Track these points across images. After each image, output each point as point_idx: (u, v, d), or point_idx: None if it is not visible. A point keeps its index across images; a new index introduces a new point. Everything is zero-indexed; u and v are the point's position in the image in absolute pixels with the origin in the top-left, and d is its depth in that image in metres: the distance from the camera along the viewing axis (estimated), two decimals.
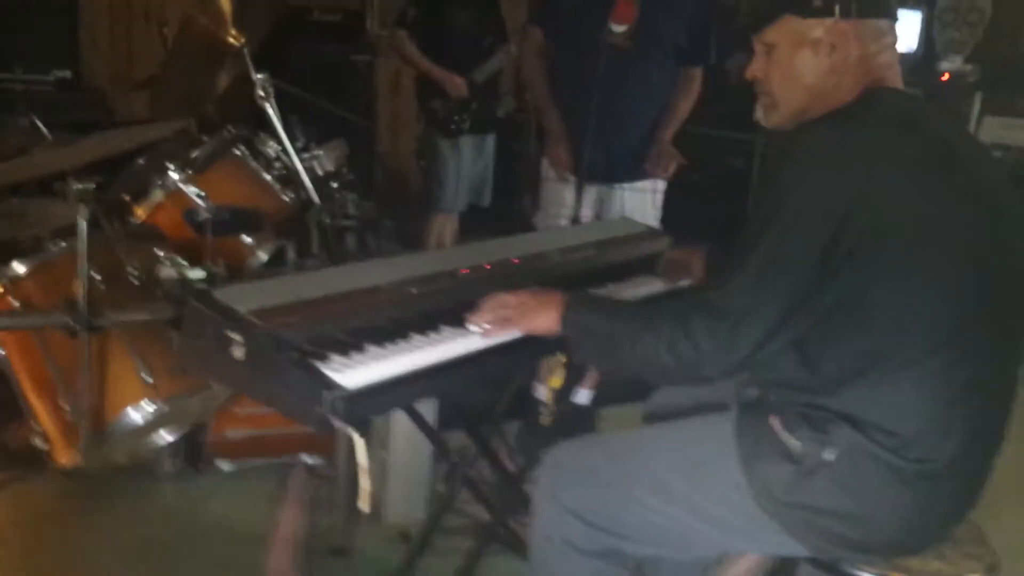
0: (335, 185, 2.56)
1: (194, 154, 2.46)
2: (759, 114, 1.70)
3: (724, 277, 1.49)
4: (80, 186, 1.90)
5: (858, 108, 1.55)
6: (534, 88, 3.26)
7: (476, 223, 4.47)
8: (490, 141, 4.46)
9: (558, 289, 1.68)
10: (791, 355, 1.50)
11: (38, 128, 2.79)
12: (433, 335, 1.62)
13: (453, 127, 4.24)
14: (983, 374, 1.50)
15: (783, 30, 1.59)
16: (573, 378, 2.68)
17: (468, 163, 4.35)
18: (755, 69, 1.66)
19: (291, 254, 2.69)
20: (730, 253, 1.53)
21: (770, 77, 1.63)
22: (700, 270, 2.06)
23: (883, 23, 1.58)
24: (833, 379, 1.48)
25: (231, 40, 2.34)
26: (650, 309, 1.60)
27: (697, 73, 3.12)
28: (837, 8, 1.54)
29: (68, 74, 3.96)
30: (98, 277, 2.06)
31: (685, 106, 3.11)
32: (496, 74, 4.37)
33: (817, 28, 1.55)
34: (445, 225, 4.36)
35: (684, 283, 2.06)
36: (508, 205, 4.73)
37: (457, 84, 4.16)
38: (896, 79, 1.59)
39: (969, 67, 4.07)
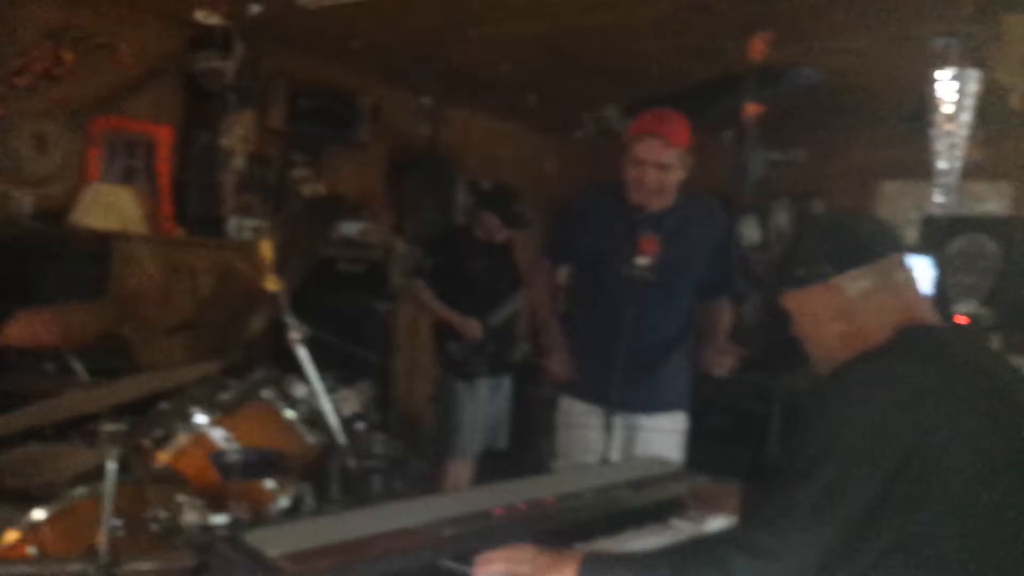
0: (361, 426, 2.55)
1: (222, 397, 2.46)
2: (812, 364, 1.74)
3: (765, 517, 1.45)
4: (112, 427, 1.88)
5: (892, 348, 1.55)
6: (538, 301, 3.31)
7: (492, 466, 4.41)
8: (506, 383, 4.50)
9: (592, 531, 1.67)
10: None
11: (65, 372, 2.80)
12: None
13: (469, 369, 4.29)
14: None
15: (790, 301, 1.68)
16: None
17: (484, 405, 4.37)
18: (794, 329, 1.73)
19: (309, 500, 2.62)
20: (767, 493, 1.49)
21: (802, 337, 1.70)
22: (732, 507, 1.99)
23: (879, 265, 1.60)
24: None
25: (270, 286, 2.42)
26: (680, 555, 1.54)
27: (725, 302, 3.11)
28: (814, 274, 1.61)
29: None
30: (118, 523, 2.00)
31: (725, 319, 3.08)
32: (511, 318, 4.48)
33: (809, 295, 1.63)
34: (461, 470, 4.30)
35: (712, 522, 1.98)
36: (523, 448, 4.72)
37: (472, 328, 4.25)
38: (927, 313, 1.61)
39: (985, 311, 4.17)
